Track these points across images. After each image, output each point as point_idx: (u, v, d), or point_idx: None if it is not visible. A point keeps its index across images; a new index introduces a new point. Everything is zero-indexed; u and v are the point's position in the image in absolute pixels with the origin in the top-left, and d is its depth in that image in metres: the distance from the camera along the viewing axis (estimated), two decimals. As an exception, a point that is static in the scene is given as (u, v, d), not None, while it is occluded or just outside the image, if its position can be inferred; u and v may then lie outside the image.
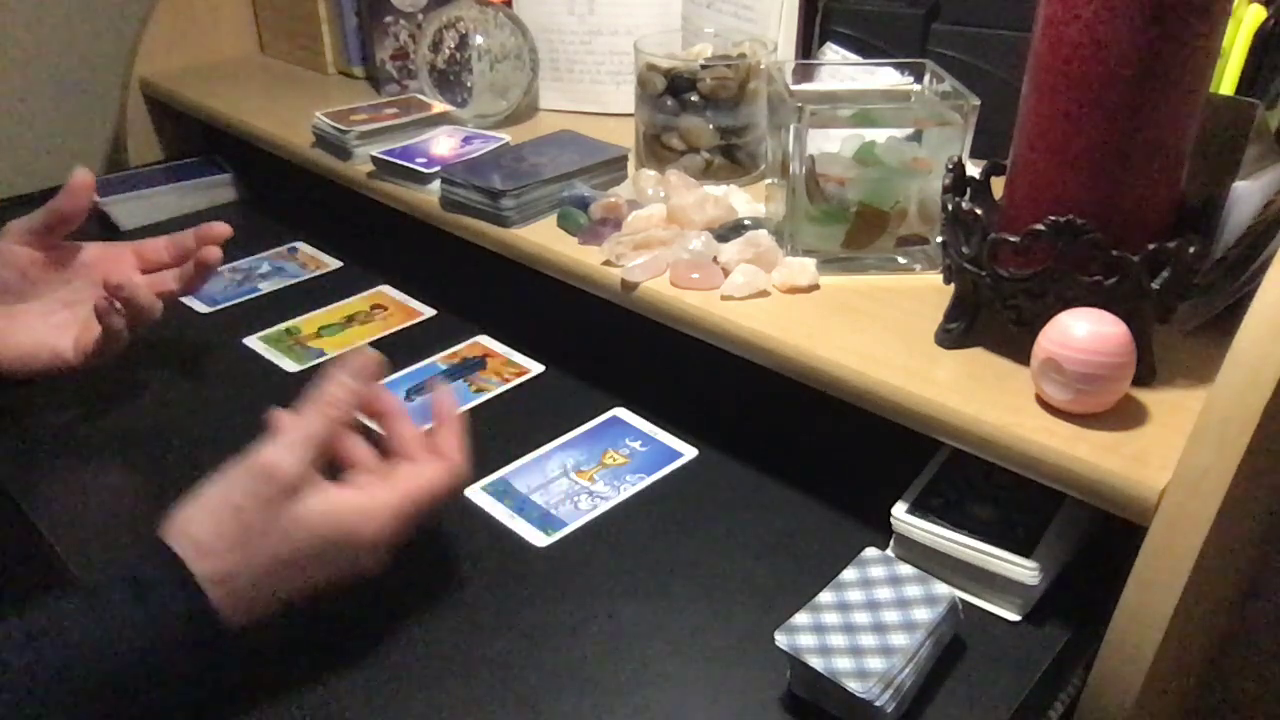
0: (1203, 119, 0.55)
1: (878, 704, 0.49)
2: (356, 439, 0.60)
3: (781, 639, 0.52)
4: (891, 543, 0.62)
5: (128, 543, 0.64)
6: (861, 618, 0.53)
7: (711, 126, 0.85)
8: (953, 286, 0.63)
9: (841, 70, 0.80)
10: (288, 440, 0.52)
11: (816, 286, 0.70)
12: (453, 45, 1.00)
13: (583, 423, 0.76)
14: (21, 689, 0.45)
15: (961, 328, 0.62)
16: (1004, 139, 0.60)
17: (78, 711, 0.46)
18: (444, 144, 0.91)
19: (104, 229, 1.08)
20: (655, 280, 0.71)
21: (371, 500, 0.54)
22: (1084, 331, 0.54)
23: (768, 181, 0.82)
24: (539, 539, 0.65)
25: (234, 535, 0.50)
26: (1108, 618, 0.52)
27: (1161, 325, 0.57)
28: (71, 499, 0.69)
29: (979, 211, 0.59)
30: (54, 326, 0.75)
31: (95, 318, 0.72)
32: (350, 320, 0.91)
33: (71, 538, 0.65)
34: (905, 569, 0.56)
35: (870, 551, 0.58)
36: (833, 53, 0.91)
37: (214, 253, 0.77)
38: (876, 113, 0.72)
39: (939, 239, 0.66)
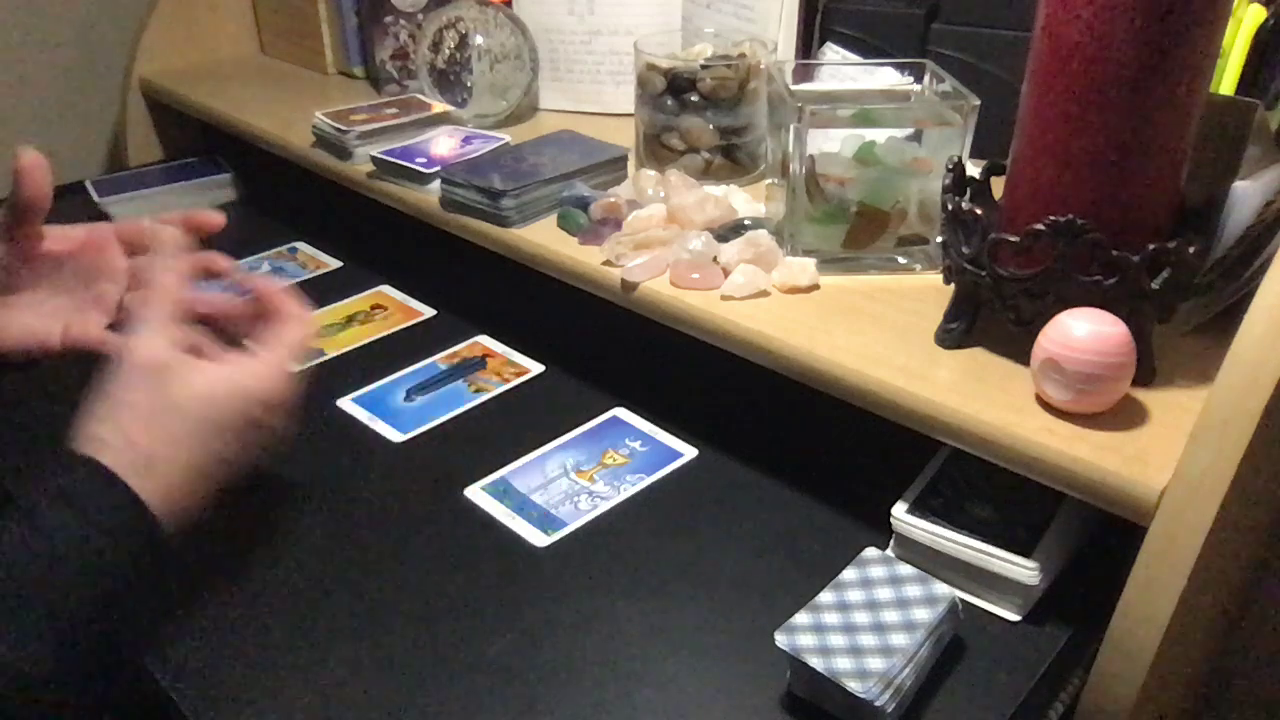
0: (1203, 119, 0.55)
1: (878, 704, 0.49)
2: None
3: (781, 639, 0.52)
4: (891, 543, 0.62)
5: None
6: (861, 618, 0.53)
7: (711, 126, 0.85)
8: (953, 286, 0.63)
9: (841, 70, 0.80)
10: (149, 329, 0.55)
11: (816, 286, 0.70)
12: (453, 45, 1.00)
13: (583, 423, 0.76)
14: None
15: (961, 328, 0.62)
16: (1004, 139, 0.60)
17: (36, 626, 0.46)
18: (444, 144, 0.91)
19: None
20: (655, 280, 0.71)
21: (255, 359, 0.58)
22: (1084, 331, 0.54)
23: (768, 181, 0.82)
24: (539, 539, 0.65)
25: (137, 427, 0.52)
26: (1108, 618, 0.52)
27: (1161, 325, 0.57)
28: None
29: (979, 211, 0.59)
30: (43, 315, 0.73)
31: (84, 307, 0.72)
32: (350, 320, 0.91)
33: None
34: (905, 569, 0.56)
35: (870, 551, 0.58)
36: (833, 53, 0.90)
37: (219, 264, 0.75)
38: (876, 113, 0.72)
39: (939, 239, 0.66)
